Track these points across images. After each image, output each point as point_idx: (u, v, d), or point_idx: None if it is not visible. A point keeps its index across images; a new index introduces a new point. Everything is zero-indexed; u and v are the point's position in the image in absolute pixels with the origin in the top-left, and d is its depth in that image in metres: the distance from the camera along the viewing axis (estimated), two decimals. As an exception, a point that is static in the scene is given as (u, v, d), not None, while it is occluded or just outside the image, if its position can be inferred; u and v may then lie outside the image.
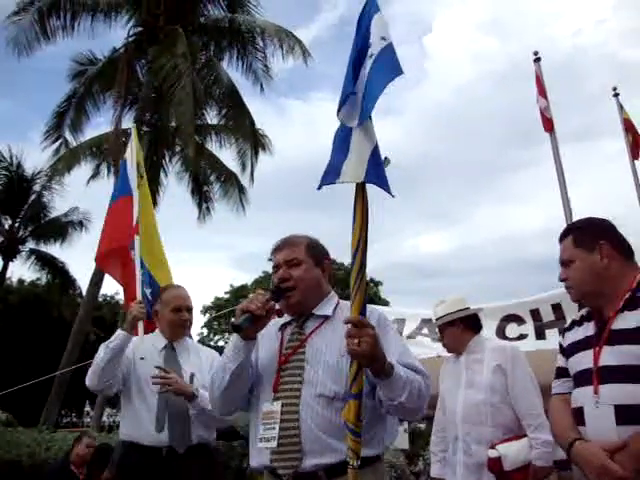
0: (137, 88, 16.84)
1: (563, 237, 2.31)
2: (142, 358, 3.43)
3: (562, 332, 2.39)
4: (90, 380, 3.30)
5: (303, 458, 2.08)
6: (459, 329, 3.72)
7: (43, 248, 21.63)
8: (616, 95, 13.66)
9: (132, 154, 4.43)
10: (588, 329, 2.21)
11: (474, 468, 3.41)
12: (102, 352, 3.26)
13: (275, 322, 2.38)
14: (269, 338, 2.34)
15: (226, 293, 36.12)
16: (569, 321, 2.41)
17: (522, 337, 4.92)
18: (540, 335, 4.90)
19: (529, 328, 4.95)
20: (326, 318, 2.31)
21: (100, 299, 23.21)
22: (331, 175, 2.12)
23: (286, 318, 2.39)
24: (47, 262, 21.60)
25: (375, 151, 2.11)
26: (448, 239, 61.38)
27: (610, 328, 2.09)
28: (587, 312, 2.28)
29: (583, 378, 2.13)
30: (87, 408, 27.42)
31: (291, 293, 2.28)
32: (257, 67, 16.71)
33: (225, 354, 2.25)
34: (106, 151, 16.51)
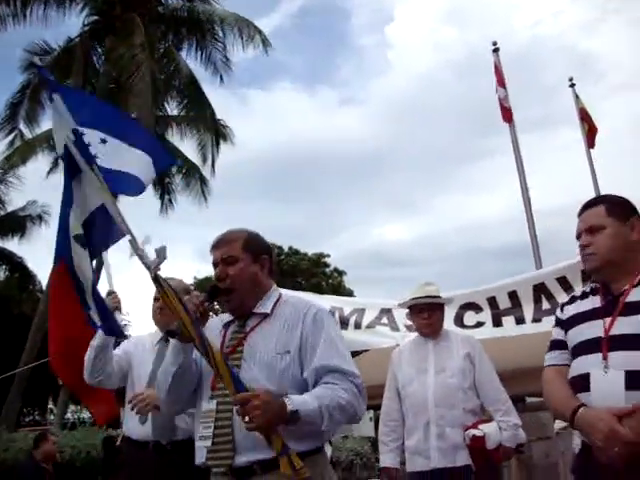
0: (95, 78, 16.50)
1: (591, 206, 2.29)
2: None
3: (561, 306, 2.39)
4: (84, 375, 3.38)
5: (235, 455, 2.09)
6: (442, 315, 3.87)
7: (0, 244, 21.12)
8: (572, 85, 13.98)
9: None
10: (594, 302, 2.23)
11: (449, 451, 3.52)
12: (89, 350, 3.33)
13: (220, 319, 2.38)
14: (212, 337, 2.30)
15: (191, 285, 35.85)
16: (567, 296, 2.44)
17: (479, 325, 4.98)
18: (497, 323, 4.98)
19: (486, 316, 5.02)
20: (265, 316, 2.29)
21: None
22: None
23: (230, 316, 2.38)
24: (4, 257, 21.09)
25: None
26: (411, 228, 62.00)
27: (625, 300, 2.12)
28: (591, 288, 2.30)
29: (589, 346, 2.13)
30: (51, 405, 26.93)
31: (230, 297, 2.27)
32: (217, 57, 16.61)
33: (167, 357, 2.26)
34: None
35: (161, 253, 2.04)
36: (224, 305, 2.34)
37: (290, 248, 27.10)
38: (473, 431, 3.51)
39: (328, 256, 30.93)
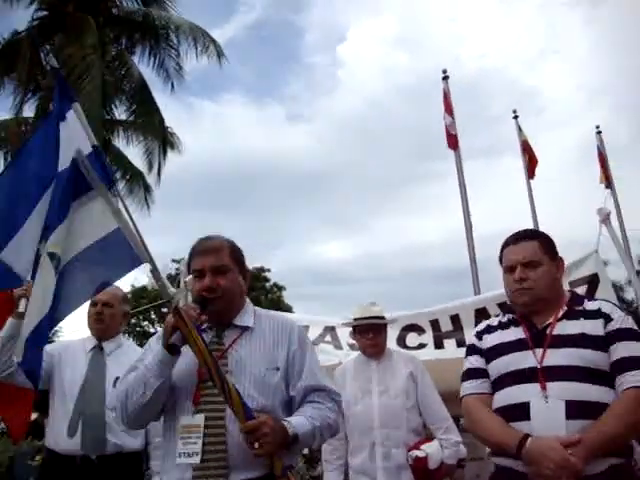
0: (41, 75, 15.98)
1: (525, 239, 2.36)
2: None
3: (477, 334, 2.43)
4: None
5: (229, 474, 2.01)
6: (386, 335, 3.90)
7: None
8: (516, 117, 14.56)
9: None
10: (518, 333, 2.30)
11: (394, 471, 3.57)
12: None
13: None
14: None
15: (127, 293, 34.93)
16: (482, 325, 2.46)
17: (422, 346, 5.08)
18: (438, 345, 5.09)
19: (428, 338, 5.12)
20: (246, 329, 2.23)
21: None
22: None
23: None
24: None
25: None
26: (352, 247, 62.45)
27: (552, 333, 2.21)
28: (510, 318, 2.36)
29: (522, 376, 2.18)
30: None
31: (215, 306, 2.18)
32: (169, 65, 16.32)
33: (147, 368, 2.10)
34: (3, 139, 15.54)
35: (186, 287, 2.02)
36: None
37: (231, 261, 26.80)
38: (416, 452, 3.55)
39: (268, 271, 30.74)
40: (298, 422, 2.05)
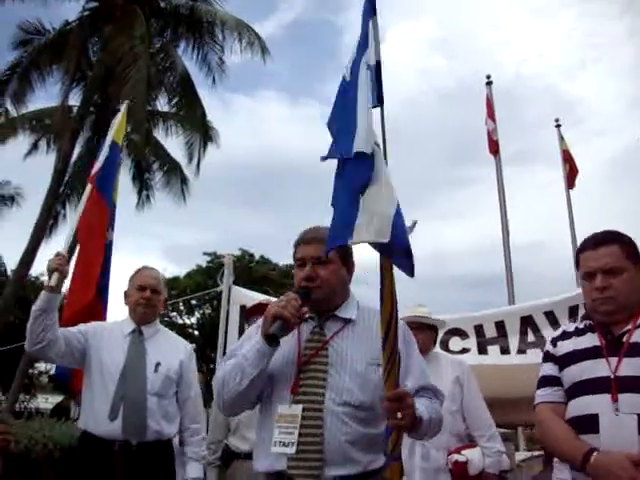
0: (86, 65, 16.28)
1: (604, 243, 2.22)
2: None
3: (552, 341, 2.33)
4: (26, 343, 3.15)
5: (324, 467, 1.99)
6: (432, 336, 3.89)
7: (-33, 222, 20.56)
8: (558, 126, 14.32)
9: (112, 130, 4.39)
10: (594, 340, 2.19)
11: (432, 473, 3.54)
12: (31, 315, 3.10)
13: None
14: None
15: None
16: (558, 331, 2.37)
17: (465, 351, 5.04)
18: (482, 350, 5.05)
19: (472, 343, 5.09)
20: (349, 321, 2.21)
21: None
22: (340, 235, 1.92)
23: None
24: (-29, 236, 20.58)
25: (398, 208, 1.91)
26: (382, 249, 61.97)
27: (630, 341, 2.10)
28: (587, 324, 2.27)
29: (594, 386, 2.09)
30: (-2, 392, 26.12)
31: (316, 295, 2.16)
32: (212, 59, 16.45)
33: (245, 357, 2.09)
34: (48, 127, 15.90)
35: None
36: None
37: (262, 257, 26.89)
38: (456, 456, 3.53)
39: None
40: (420, 407, 2.01)
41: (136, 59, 13.59)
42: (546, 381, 2.27)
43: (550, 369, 2.28)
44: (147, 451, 3.12)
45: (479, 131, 12.61)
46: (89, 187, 4.00)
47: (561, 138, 14.16)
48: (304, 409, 2.04)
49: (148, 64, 14.14)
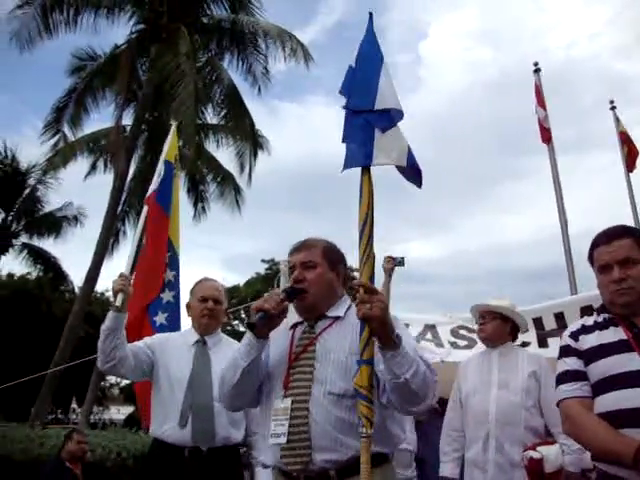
0: (136, 85, 16.82)
1: (618, 237, 2.25)
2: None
3: (572, 335, 2.30)
4: (98, 361, 3.30)
5: (312, 454, 2.13)
6: (503, 327, 3.87)
7: (36, 242, 21.54)
8: (613, 108, 13.83)
9: (165, 151, 4.61)
10: (618, 333, 2.18)
11: (507, 467, 3.50)
12: (100, 334, 3.24)
13: (286, 322, 2.42)
14: (280, 336, 2.38)
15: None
16: (577, 325, 2.34)
17: (525, 345, 4.94)
18: (542, 343, 4.96)
19: (532, 336, 5.00)
20: (337, 318, 2.36)
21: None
22: (356, 159, 2.31)
23: (297, 318, 2.44)
24: (39, 256, 21.48)
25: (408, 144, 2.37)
26: (438, 246, 61.60)
27: None
28: (606, 318, 2.24)
29: (629, 379, 2.07)
30: (74, 405, 27.21)
31: (304, 295, 2.33)
32: (257, 69, 16.73)
33: (237, 351, 2.30)
34: (104, 147, 16.50)
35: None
36: (297, 302, 2.38)
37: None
38: (531, 453, 3.45)
39: (356, 270, 30.87)
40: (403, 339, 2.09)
41: (183, 76, 13.93)
42: (572, 376, 2.24)
43: (575, 363, 2.24)
44: (216, 456, 3.20)
45: (531, 120, 12.33)
46: (145, 208, 4.16)
47: (617, 120, 13.69)
48: (293, 402, 2.20)
49: (195, 79, 14.47)
